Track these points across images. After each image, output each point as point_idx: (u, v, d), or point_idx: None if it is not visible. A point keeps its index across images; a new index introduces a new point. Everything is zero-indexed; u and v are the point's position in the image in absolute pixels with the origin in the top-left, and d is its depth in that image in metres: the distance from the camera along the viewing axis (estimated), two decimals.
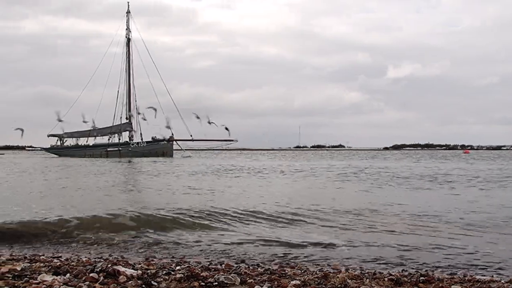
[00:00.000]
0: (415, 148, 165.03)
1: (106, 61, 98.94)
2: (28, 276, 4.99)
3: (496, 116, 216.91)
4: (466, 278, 5.60)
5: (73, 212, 10.31)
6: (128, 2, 73.41)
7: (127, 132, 71.09)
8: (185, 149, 71.05)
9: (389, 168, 33.44)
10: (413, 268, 6.35)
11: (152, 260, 6.45)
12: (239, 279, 5.03)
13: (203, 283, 4.90)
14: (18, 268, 5.25)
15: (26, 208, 11.38)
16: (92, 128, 69.72)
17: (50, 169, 32.80)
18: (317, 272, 5.70)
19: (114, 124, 70.49)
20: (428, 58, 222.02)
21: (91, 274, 4.97)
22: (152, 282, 4.86)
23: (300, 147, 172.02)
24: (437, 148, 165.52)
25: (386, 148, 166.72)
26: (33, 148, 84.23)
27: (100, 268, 5.12)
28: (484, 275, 5.94)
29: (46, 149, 75.67)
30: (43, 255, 6.88)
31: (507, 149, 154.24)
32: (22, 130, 69.44)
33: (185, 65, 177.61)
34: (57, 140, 73.45)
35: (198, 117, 59.05)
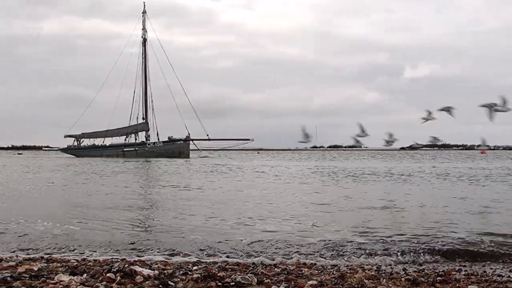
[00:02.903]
0: (432, 149, 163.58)
1: (123, 62, 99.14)
2: (45, 276, 5.03)
3: None
4: (483, 279, 5.53)
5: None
6: (144, 2, 73.56)
7: (144, 132, 71.35)
8: (202, 149, 70.98)
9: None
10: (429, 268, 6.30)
11: (169, 260, 6.45)
12: (256, 279, 5.02)
13: (220, 283, 4.89)
14: (35, 268, 5.29)
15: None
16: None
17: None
18: (334, 272, 5.66)
19: (130, 124, 70.83)
20: (447, 59, 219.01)
21: (108, 274, 5.00)
22: (169, 282, 4.86)
23: (316, 147, 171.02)
24: (454, 148, 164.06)
25: (402, 148, 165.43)
26: (50, 148, 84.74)
27: (117, 268, 5.14)
28: (501, 276, 5.87)
29: (63, 150, 76.17)
30: (60, 256, 6.91)
31: None
32: None
33: (205, 65, 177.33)
34: (74, 141, 73.95)
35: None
